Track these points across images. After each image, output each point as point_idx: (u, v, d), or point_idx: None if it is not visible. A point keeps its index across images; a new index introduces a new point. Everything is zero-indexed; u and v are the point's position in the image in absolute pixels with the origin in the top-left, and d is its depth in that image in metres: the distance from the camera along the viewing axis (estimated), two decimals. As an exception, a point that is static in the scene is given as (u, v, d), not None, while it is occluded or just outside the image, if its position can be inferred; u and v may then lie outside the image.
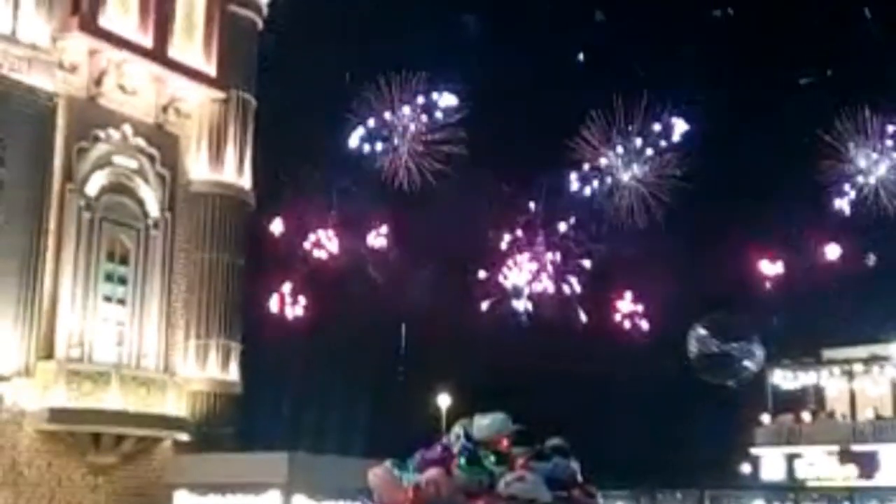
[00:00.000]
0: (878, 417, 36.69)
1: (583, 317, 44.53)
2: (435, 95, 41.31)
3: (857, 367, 37.06)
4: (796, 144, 41.13)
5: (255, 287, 39.57)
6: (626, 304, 45.42)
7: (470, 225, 44.45)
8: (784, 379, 38.58)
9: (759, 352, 36.56)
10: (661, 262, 43.60)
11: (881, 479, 34.58)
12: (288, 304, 41.25)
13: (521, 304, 45.75)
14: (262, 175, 33.44)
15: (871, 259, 40.81)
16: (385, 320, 43.18)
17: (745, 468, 38.46)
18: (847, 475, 35.51)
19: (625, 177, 43.25)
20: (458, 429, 13.12)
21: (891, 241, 41.80)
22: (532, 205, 45.62)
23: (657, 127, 43.14)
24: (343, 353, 41.95)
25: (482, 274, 44.63)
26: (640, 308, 46.02)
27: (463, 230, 44.39)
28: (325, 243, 43.06)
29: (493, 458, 12.20)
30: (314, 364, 41.68)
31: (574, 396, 40.81)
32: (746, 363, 35.91)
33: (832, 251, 42.78)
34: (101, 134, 29.01)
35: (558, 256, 46.31)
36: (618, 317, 45.10)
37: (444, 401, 42.18)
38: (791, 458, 36.87)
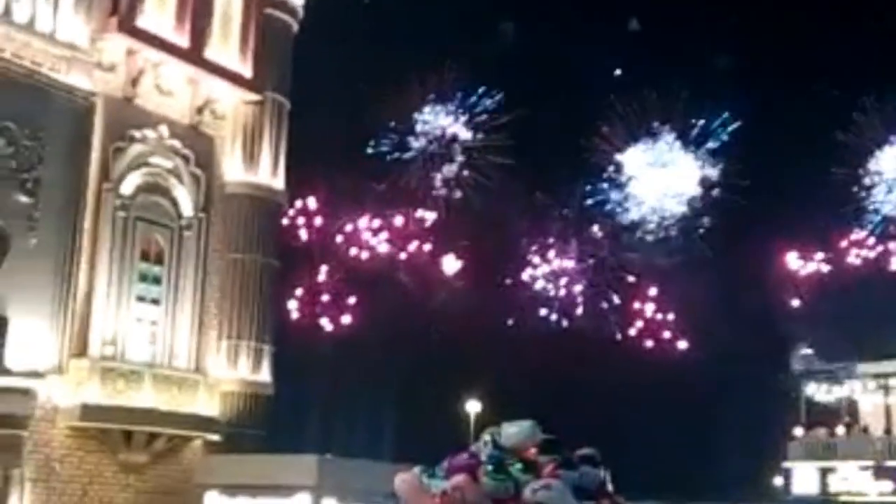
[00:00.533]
0: (914, 433, 36.17)
1: (615, 327, 44.37)
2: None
3: (893, 382, 36.53)
4: (829, 149, 40.90)
5: (286, 289, 39.82)
6: (657, 313, 45.23)
7: (503, 231, 44.41)
8: (818, 392, 38.11)
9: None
10: (693, 271, 43.34)
11: (916, 496, 34.10)
12: (319, 307, 41.47)
13: (553, 313, 45.64)
14: (295, 175, 33.57)
15: None
16: (416, 325, 43.15)
17: (778, 482, 38.04)
18: (882, 490, 35.03)
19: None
20: (486, 436, 13.04)
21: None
22: (565, 212, 45.53)
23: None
24: (373, 358, 41.96)
25: (513, 280, 44.59)
26: (671, 317, 45.78)
27: (496, 236, 44.36)
28: (366, 240, 43.21)
29: (519, 466, 12.11)
30: (344, 367, 41.72)
31: (604, 406, 40.56)
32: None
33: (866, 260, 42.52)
34: (138, 134, 29.19)
35: (591, 263, 46.19)
36: (649, 326, 44.92)
37: (473, 407, 42.05)
38: (824, 473, 36.40)
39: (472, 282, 43.82)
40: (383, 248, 43.74)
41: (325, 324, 42.32)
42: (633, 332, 44.73)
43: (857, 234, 44.41)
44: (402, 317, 43.49)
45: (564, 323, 45.41)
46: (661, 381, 44.00)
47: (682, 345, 45.69)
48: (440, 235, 44.32)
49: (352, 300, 42.80)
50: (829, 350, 38.75)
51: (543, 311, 45.49)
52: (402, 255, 43.62)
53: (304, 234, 41.83)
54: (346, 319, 42.20)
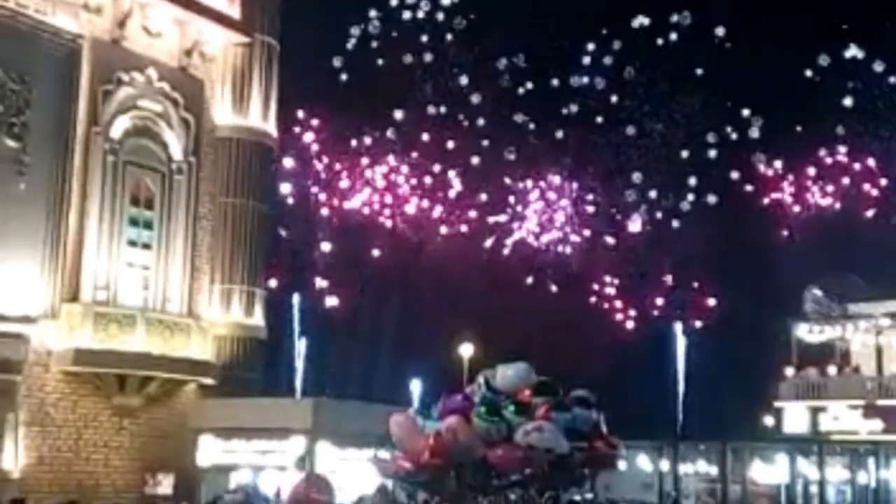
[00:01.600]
0: (904, 372, 36.42)
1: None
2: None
3: (884, 322, 36.69)
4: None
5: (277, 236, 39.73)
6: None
7: (499, 176, 44.17)
8: (809, 333, 38.27)
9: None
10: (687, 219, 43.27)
11: (905, 434, 34.41)
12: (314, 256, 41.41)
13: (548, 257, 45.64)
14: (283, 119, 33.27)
15: None
16: (409, 268, 43.16)
17: (769, 421, 38.36)
18: (872, 429, 35.35)
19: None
20: (480, 378, 13.11)
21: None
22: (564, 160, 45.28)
23: None
24: (367, 302, 42.02)
25: (505, 220, 44.44)
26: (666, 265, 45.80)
27: (492, 180, 44.15)
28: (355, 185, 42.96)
29: (512, 409, 12.19)
30: (339, 312, 41.78)
31: (600, 349, 40.73)
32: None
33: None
34: (126, 77, 28.87)
35: (590, 209, 46.06)
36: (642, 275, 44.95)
37: (466, 350, 42.19)
38: (815, 412, 36.70)
39: (468, 225, 43.73)
40: (372, 191, 43.46)
41: (320, 270, 42.30)
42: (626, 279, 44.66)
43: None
44: (396, 260, 43.51)
45: (561, 268, 45.39)
46: (654, 323, 44.27)
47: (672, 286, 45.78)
48: (432, 178, 44.10)
49: (345, 245, 42.75)
50: (839, 290, 38.89)
51: (541, 257, 45.43)
52: (391, 199, 43.42)
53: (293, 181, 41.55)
54: (338, 264, 42.18)
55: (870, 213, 42.69)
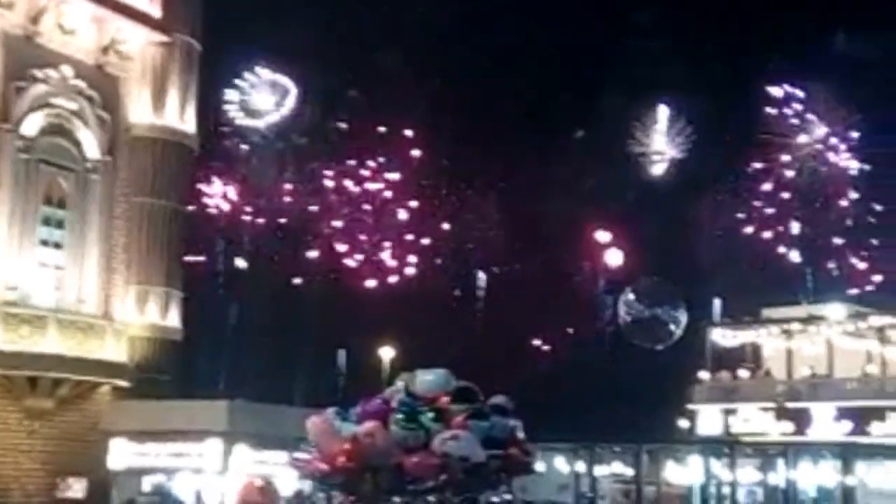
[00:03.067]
0: (814, 376, 37.27)
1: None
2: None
3: (795, 327, 37.50)
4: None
5: (195, 235, 39.29)
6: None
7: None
8: (723, 337, 38.94)
9: (684, 317, 37.09)
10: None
11: (814, 435, 35.21)
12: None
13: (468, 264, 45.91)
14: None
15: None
16: (328, 270, 42.99)
17: (683, 424, 38.96)
18: (782, 431, 36.12)
19: None
20: (399, 382, 13.11)
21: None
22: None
23: None
24: (285, 303, 41.72)
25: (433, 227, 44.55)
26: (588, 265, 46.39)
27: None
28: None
29: (431, 415, 12.22)
30: (255, 314, 41.42)
31: (519, 352, 41.01)
32: (672, 327, 36.41)
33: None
34: (39, 74, 28.31)
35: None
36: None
37: (387, 353, 42.14)
38: (727, 415, 37.37)
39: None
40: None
41: (236, 271, 41.92)
42: (548, 281, 45.07)
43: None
44: (316, 261, 43.33)
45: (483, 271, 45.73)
46: (573, 330, 44.77)
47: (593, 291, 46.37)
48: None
49: (261, 246, 42.46)
50: (653, 294, 39.86)
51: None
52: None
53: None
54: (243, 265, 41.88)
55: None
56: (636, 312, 39.19)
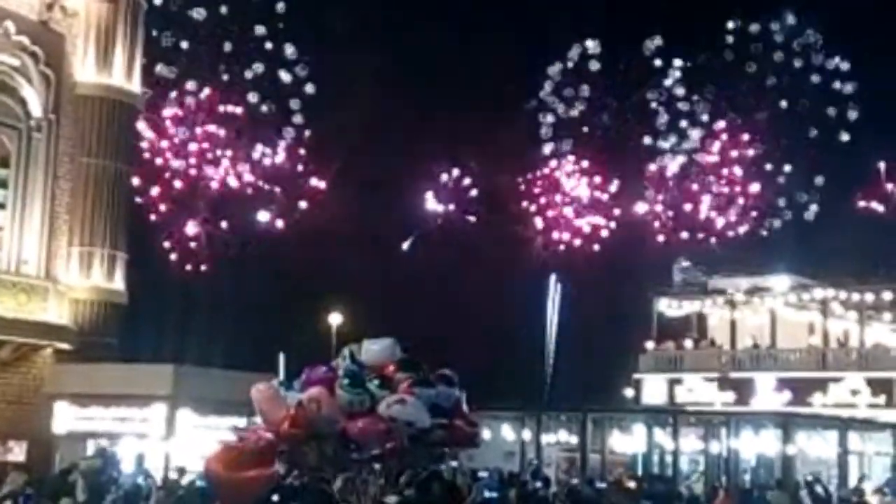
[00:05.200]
0: (756, 346, 37.83)
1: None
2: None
3: (739, 297, 37.98)
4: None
5: (143, 196, 38.75)
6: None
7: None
8: (669, 307, 39.37)
9: None
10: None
11: (756, 405, 35.80)
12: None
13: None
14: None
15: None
16: (278, 236, 42.63)
17: (629, 393, 39.36)
18: (725, 401, 36.65)
19: None
20: (345, 351, 13.04)
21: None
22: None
23: None
24: (232, 268, 41.35)
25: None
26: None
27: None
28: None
29: (377, 382, 12.16)
30: (203, 278, 41.02)
31: (465, 323, 41.02)
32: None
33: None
34: (-20, 29, 27.63)
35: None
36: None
37: (335, 319, 41.99)
38: (672, 384, 37.84)
39: (340, 193, 43.43)
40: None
41: (185, 235, 41.42)
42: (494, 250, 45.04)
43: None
44: (264, 225, 42.96)
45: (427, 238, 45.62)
46: (525, 300, 44.87)
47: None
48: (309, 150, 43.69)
49: (211, 211, 41.98)
50: (705, 261, 40.25)
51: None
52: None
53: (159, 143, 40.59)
54: (193, 230, 41.42)
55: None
56: (693, 278, 39.66)
